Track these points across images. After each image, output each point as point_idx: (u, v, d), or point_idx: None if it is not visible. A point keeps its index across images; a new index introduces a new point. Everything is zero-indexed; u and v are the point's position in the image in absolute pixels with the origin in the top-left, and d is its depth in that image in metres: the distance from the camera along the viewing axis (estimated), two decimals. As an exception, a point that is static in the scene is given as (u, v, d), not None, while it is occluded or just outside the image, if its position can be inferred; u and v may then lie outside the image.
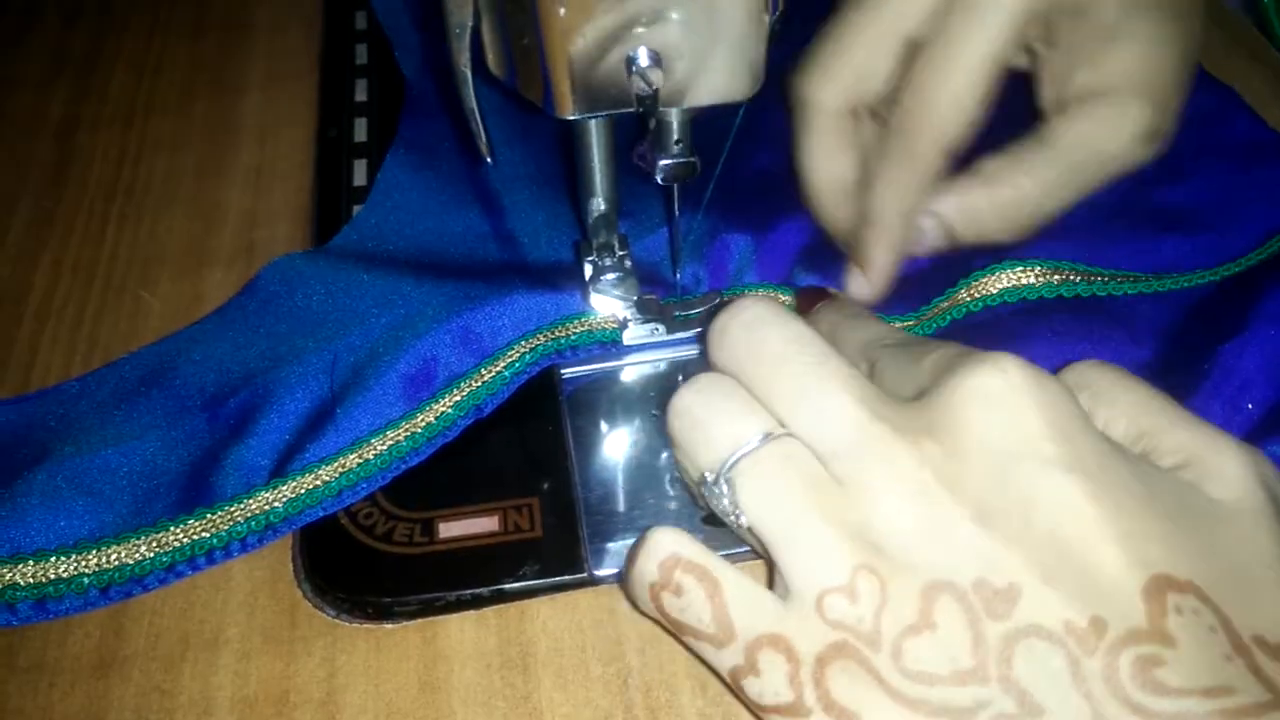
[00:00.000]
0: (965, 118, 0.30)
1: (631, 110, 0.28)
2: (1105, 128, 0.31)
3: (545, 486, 0.32)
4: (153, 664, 0.30)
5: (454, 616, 0.30)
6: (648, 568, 0.24)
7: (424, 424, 0.33)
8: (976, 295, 0.36)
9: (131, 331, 0.38)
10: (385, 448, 0.33)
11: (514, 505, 0.32)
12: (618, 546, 0.31)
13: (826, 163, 0.33)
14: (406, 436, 0.33)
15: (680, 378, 0.35)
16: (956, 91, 0.30)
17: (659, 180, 0.31)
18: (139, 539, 0.31)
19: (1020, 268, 0.36)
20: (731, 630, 0.23)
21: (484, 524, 0.31)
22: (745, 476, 0.24)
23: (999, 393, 0.23)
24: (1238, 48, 0.47)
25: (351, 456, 0.32)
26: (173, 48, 0.52)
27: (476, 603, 0.30)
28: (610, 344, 0.35)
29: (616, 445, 0.34)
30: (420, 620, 0.30)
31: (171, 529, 0.31)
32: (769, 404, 0.25)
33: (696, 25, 0.27)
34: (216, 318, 0.37)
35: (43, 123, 0.48)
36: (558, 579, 0.30)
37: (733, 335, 0.26)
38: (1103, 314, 0.35)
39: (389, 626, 0.30)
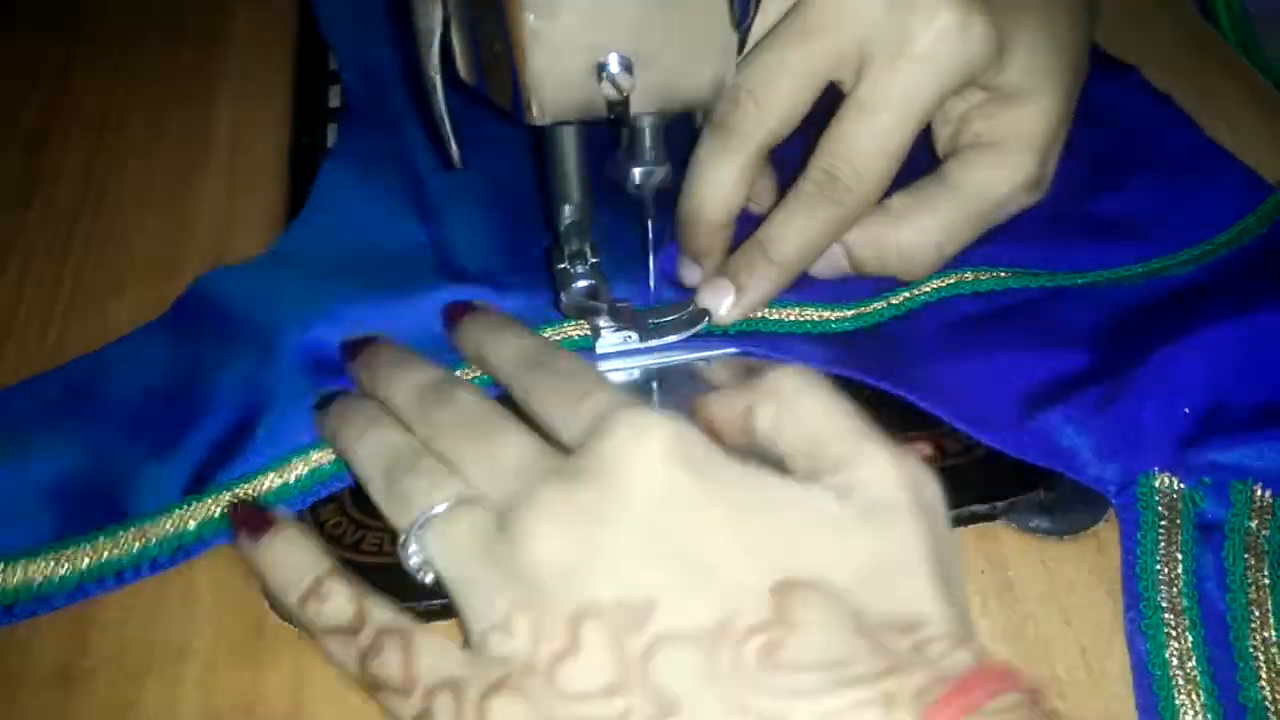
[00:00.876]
0: (890, 176, 0.33)
1: (603, 117, 0.28)
2: (997, 175, 0.35)
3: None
4: (118, 676, 0.29)
5: (425, 626, 0.30)
6: (362, 638, 0.26)
7: None
8: (916, 295, 0.36)
9: (100, 342, 0.38)
10: (306, 470, 0.32)
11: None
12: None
13: (732, 193, 0.34)
14: (332, 459, 0.32)
15: (654, 385, 0.35)
16: (888, 152, 0.32)
17: (633, 190, 0.31)
18: (47, 556, 0.30)
19: (955, 274, 0.36)
20: (414, 680, 0.25)
21: (455, 533, 0.31)
22: (430, 535, 0.27)
23: (640, 449, 0.25)
24: (1220, 67, 0.47)
25: (271, 476, 0.32)
26: (146, 56, 0.51)
27: (446, 612, 0.30)
28: (582, 352, 0.35)
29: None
30: (390, 630, 0.30)
31: (81, 546, 0.30)
32: (456, 468, 0.28)
33: (667, 32, 0.27)
34: (141, 334, 0.36)
35: (12, 131, 0.48)
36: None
37: (417, 400, 0.30)
38: (1037, 323, 0.35)
39: (358, 637, 0.30)
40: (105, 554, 0.30)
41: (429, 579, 0.27)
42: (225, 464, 0.32)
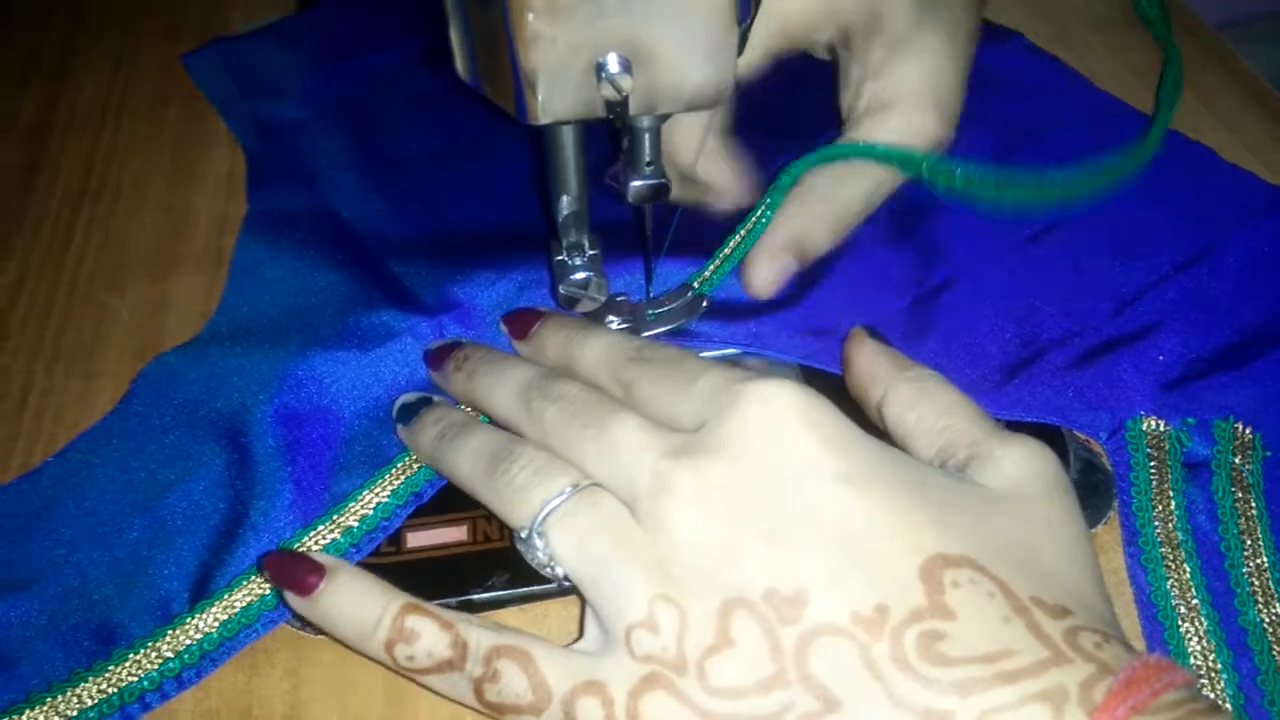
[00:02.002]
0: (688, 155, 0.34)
1: (602, 117, 0.28)
2: (895, 138, 0.34)
3: (515, 496, 0.32)
4: (113, 676, 0.29)
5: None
6: (470, 668, 0.25)
7: (359, 516, 0.31)
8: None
9: (97, 339, 0.38)
10: (319, 548, 0.30)
11: (483, 515, 0.31)
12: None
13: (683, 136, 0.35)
14: (343, 532, 0.30)
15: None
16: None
17: (629, 201, 0.31)
18: (52, 699, 0.28)
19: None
20: (548, 693, 0.24)
21: (453, 534, 0.31)
22: (555, 528, 0.26)
23: (770, 418, 0.25)
24: (1211, 63, 0.47)
25: None
26: (146, 52, 0.51)
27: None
28: None
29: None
30: (387, 631, 0.30)
31: (89, 680, 0.28)
32: (573, 461, 0.27)
33: (667, 32, 0.27)
34: (90, 442, 0.33)
35: (12, 126, 0.47)
36: (526, 589, 0.30)
37: (527, 403, 0.29)
38: (1013, 297, 0.36)
39: (355, 638, 0.30)
40: (121, 681, 0.28)
41: (559, 572, 0.26)
42: (224, 564, 0.30)
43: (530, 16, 0.25)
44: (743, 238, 0.36)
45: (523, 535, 0.26)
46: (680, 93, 0.28)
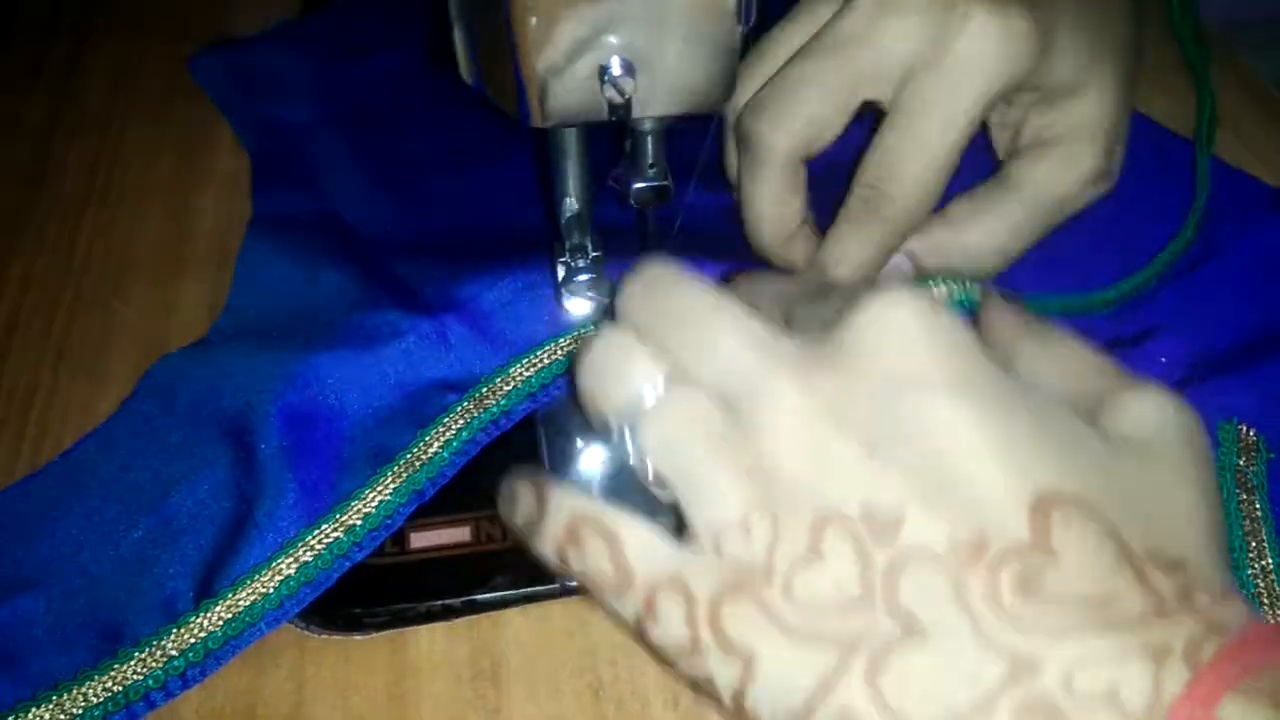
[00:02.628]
0: (939, 187, 0.32)
1: (605, 120, 0.28)
2: (1060, 172, 0.34)
3: (518, 497, 0.32)
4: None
5: (424, 628, 0.30)
6: (554, 528, 0.25)
7: (362, 515, 0.31)
8: None
9: (103, 341, 0.38)
10: (323, 546, 0.30)
11: (487, 515, 0.31)
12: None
13: (775, 207, 0.34)
14: (346, 531, 0.30)
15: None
16: (933, 162, 0.31)
17: (632, 204, 0.31)
18: (58, 697, 0.28)
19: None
20: (630, 576, 0.23)
21: (456, 534, 0.31)
22: (647, 425, 0.24)
23: (889, 324, 0.23)
24: (1214, 66, 0.47)
25: (282, 562, 0.30)
26: (152, 54, 0.51)
27: (447, 614, 0.30)
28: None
29: (590, 455, 0.33)
30: (390, 631, 0.30)
31: (95, 678, 0.28)
32: (671, 355, 0.25)
33: (669, 35, 0.27)
34: (96, 442, 0.33)
35: (19, 128, 0.48)
36: (529, 590, 0.30)
37: (636, 295, 0.26)
38: None
39: (358, 638, 0.30)
40: (127, 679, 0.28)
41: (648, 472, 0.25)
42: (229, 563, 0.30)
43: (533, 20, 0.25)
44: None
45: (613, 429, 0.25)
46: (683, 96, 0.28)
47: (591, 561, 0.24)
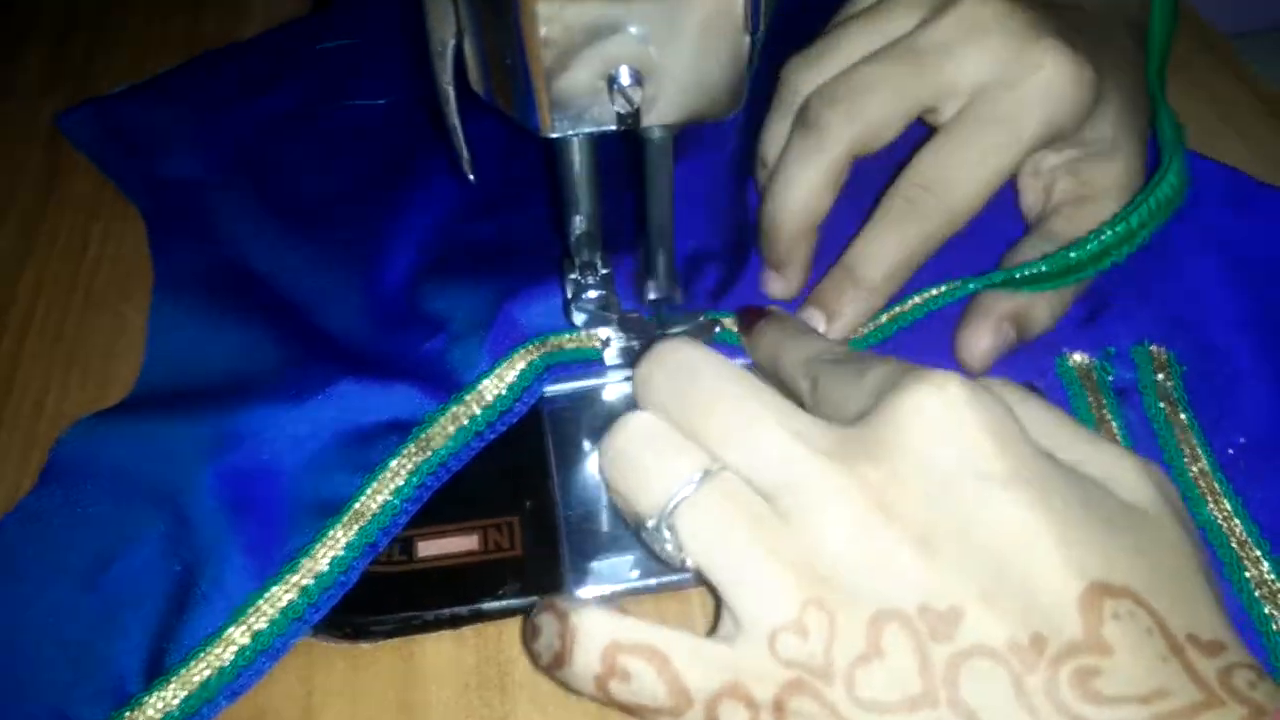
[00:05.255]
0: (982, 204, 0.33)
1: (614, 129, 0.28)
2: (1096, 225, 0.34)
3: (526, 505, 0.32)
4: (128, 683, 0.29)
5: (432, 636, 0.30)
6: (588, 661, 0.24)
7: (314, 574, 0.29)
8: (897, 312, 0.35)
9: (111, 347, 0.38)
10: (276, 611, 0.29)
11: (494, 524, 0.31)
12: (599, 565, 0.31)
13: (817, 195, 0.34)
14: (299, 592, 0.29)
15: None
16: (987, 175, 0.32)
17: (648, 303, 0.33)
18: None
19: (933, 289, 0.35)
20: (688, 696, 0.23)
21: (464, 543, 0.31)
22: (687, 518, 0.24)
23: (936, 411, 0.23)
24: (1227, 76, 0.47)
25: (234, 631, 0.28)
26: (166, 60, 0.51)
27: (455, 622, 0.30)
28: (591, 363, 0.35)
29: (598, 464, 0.33)
30: (398, 640, 0.30)
31: None
32: (704, 443, 0.25)
33: (678, 45, 0.27)
34: (18, 523, 0.31)
35: (33, 131, 0.48)
36: (538, 598, 0.30)
37: (659, 379, 0.26)
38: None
39: (366, 646, 0.30)
40: None
41: (689, 564, 0.24)
42: (178, 637, 0.28)
43: (542, 29, 0.25)
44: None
45: (649, 525, 0.25)
46: (692, 104, 0.28)
47: (641, 688, 0.23)
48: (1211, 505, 0.31)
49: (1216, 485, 0.32)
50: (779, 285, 0.36)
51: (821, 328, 0.34)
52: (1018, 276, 0.34)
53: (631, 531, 0.26)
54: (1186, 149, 0.36)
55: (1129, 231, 0.33)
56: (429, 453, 0.32)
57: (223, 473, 0.31)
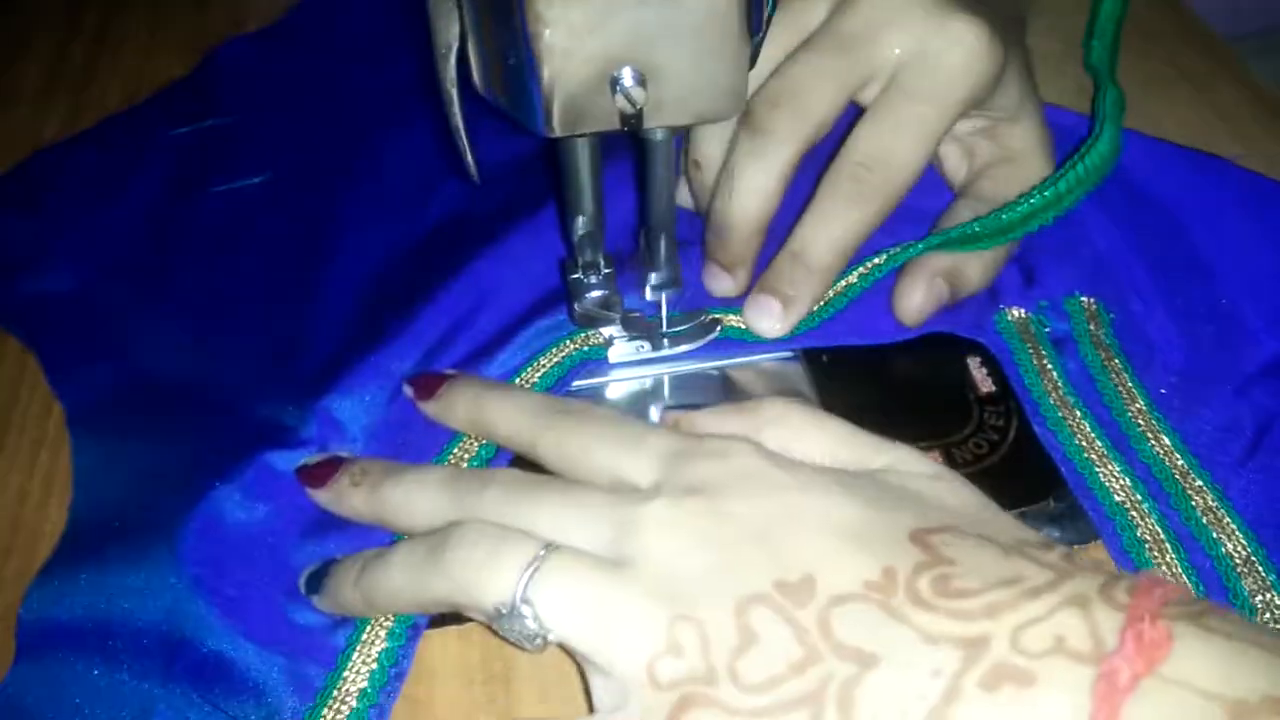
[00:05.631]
0: (921, 172, 0.34)
1: (617, 130, 0.28)
2: (1027, 183, 0.36)
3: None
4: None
5: (436, 632, 0.30)
6: None
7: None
8: (843, 286, 0.36)
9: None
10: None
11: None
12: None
13: (769, 198, 0.34)
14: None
15: (666, 393, 0.35)
16: (924, 144, 0.34)
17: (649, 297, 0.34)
18: None
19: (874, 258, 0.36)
20: None
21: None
22: (542, 587, 0.25)
23: (737, 465, 0.26)
24: (1224, 77, 0.47)
25: None
26: (167, 65, 0.52)
27: (459, 618, 0.30)
28: (595, 362, 0.35)
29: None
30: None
31: None
32: (530, 528, 0.26)
33: (681, 46, 0.27)
34: (6, 709, 0.29)
35: (37, 138, 0.48)
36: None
37: (470, 502, 0.28)
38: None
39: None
40: None
41: (552, 636, 0.25)
42: None
43: (546, 31, 0.26)
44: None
45: (504, 610, 0.25)
46: (694, 105, 0.28)
47: None
48: (1152, 441, 0.33)
49: (1155, 423, 0.33)
50: (727, 283, 0.36)
51: (776, 315, 0.35)
52: (954, 237, 0.35)
53: (486, 624, 0.26)
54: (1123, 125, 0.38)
55: (1057, 196, 0.35)
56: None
57: (186, 645, 0.29)
